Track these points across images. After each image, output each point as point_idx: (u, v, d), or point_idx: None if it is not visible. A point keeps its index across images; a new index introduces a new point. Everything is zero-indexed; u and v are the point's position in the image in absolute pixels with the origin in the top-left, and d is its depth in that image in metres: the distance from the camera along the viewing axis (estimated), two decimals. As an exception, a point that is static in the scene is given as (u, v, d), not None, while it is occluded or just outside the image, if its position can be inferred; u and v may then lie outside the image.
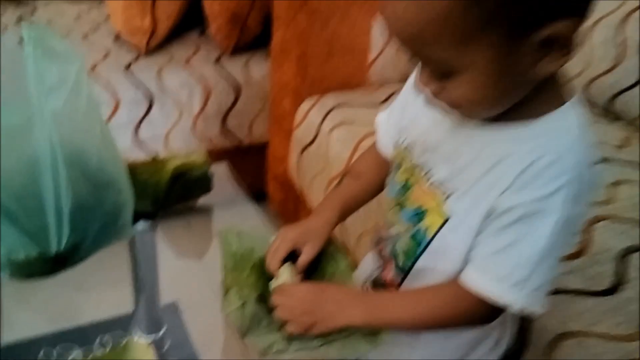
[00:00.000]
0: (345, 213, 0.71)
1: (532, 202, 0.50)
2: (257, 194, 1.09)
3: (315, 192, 1.13)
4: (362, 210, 0.73)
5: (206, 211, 0.92)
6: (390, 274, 0.64)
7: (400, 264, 0.62)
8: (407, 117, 0.63)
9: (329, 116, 1.10)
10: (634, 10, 1.11)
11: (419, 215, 0.59)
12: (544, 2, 0.44)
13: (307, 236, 0.66)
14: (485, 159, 0.53)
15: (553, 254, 0.52)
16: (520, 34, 0.45)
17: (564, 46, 0.46)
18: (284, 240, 0.66)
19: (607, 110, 1.14)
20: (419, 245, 0.59)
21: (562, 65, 0.47)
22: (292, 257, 0.66)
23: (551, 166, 0.50)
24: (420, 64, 0.51)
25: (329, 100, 1.14)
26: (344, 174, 0.94)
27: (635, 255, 0.75)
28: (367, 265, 0.70)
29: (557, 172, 0.49)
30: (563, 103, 0.52)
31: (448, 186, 0.56)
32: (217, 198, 0.94)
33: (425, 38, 0.46)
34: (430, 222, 0.58)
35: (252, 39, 1.38)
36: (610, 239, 0.77)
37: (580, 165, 0.50)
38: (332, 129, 1.08)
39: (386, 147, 0.68)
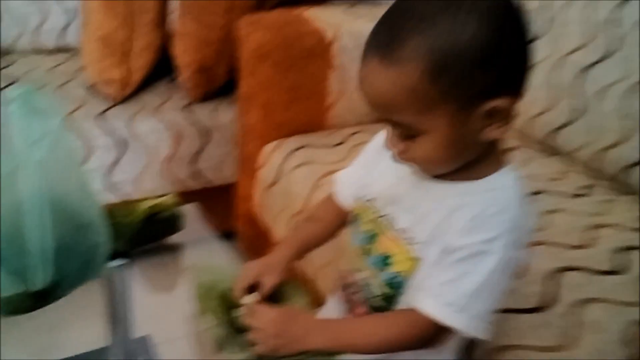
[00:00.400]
0: (301, 252, 0.81)
1: (478, 244, 0.60)
2: (227, 232, 1.16)
3: (280, 228, 1.20)
4: (330, 252, 0.82)
5: (178, 249, 0.98)
6: (361, 314, 0.72)
7: (377, 305, 0.70)
8: (370, 175, 0.73)
9: (291, 157, 1.19)
10: (568, 54, 1.24)
11: (385, 260, 0.68)
12: (487, 83, 0.55)
13: (266, 269, 0.77)
14: (442, 209, 0.63)
15: (493, 288, 0.61)
16: (470, 106, 0.56)
17: (504, 117, 0.57)
18: (247, 273, 0.75)
19: (546, 145, 1.25)
20: (398, 289, 0.68)
21: (503, 133, 0.58)
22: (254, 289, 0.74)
23: (494, 216, 0.60)
24: (390, 127, 0.61)
25: (291, 143, 1.22)
26: (304, 216, 1.01)
27: (565, 274, 0.84)
28: (333, 307, 0.78)
29: (499, 221, 0.60)
30: (503, 166, 0.63)
31: (410, 233, 0.65)
32: (188, 237, 1.00)
33: (396, 106, 0.56)
34: (401, 267, 0.67)
35: (220, 87, 1.46)
36: (543, 262, 0.86)
37: (518, 217, 0.60)
38: (293, 169, 1.16)
39: (345, 199, 0.78)
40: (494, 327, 0.76)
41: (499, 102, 0.56)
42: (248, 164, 1.32)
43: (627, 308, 0.78)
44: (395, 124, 0.59)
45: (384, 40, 0.56)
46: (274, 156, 1.22)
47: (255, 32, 1.18)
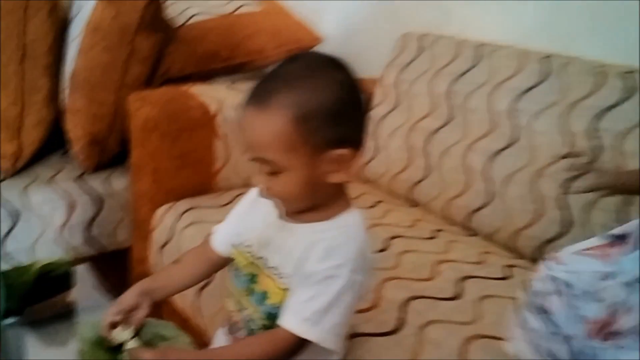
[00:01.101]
0: (166, 289, 0.93)
1: (329, 269, 0.75)
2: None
3: (173, 285, 1.29)
4: (217, 295, 0.93)
5: (71, 308, 1.04)
6: None
7: None
8: (244, 224, 0.87)
9: (182, 218, 1.29)
10: (417, 122, 1.48)
11: (263, 296, 0.81)
12: (336, 134, 0.73)
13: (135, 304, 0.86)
14: (302, 245, 0.78)
15: (342, 305, 0.76)
16: (322, 151, 0.73)
17: (347, 164, 0.75)
18: (111, 310, 0.85)
19: (407, 199, 1.46)
20: (274, 320, 0.80)
21: (345, 178, 0.76)
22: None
23: (342, 247, 0.76)
24: (260, 165, 0.75)
25: (182, 205, 1.33)
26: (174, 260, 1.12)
27: (413, 301, 1.00)
28: (219, 344, 0.89)
29: (346, 251, 0.76)
30: (350, 208, 0.80)
31: (280, 269, 0.80)
32: (81, 299, 1.06)
33: (266, 145, 0.72)
34: (275, 299, 0.80)
35: (112, 157, 1.55)
36: (396, 293, 1.02)
37: (361, 248, 0.77)
38: (184, 228, 1.27)
39: (219, 246, 0.91)
40: (355, 349, 0.91)
41: (343, 151, 0.73)
42: (142, 228, 1.41)
43: (462, 327, 0.95)
44: (264, 162, 0.74)
45: (259, 94, 0.73)
46: (166, 218, 1.33)
47: (144, 107, 1.31)
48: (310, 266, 0.76)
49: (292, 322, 0.75)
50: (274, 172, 0.74)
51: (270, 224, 0.83)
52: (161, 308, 1.02)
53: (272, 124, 0.71)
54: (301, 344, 0.76)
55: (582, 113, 1.19)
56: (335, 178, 0.75)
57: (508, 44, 1.41)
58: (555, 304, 0.74)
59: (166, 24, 1.52)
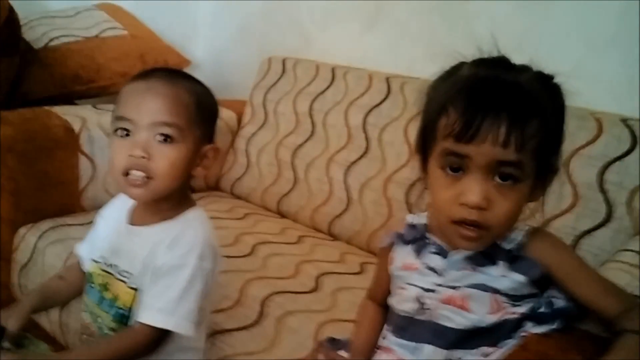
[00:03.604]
0: (46, 302, 0.94)
1: (175, 258, 0.80)
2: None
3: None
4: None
5: None
6: None
7: None
8: (98, 236, 0.91)
9: (44, 236, 1.27)
10: (284, 137, 1.57)
11: (113, 301, 0.84)
12: (209, 131, 0.84)
13: (10, 314, 0.86)
14: (148, 244, 0.82)
15: (193, 291, 0.80)
16: (200, 142, 0.82)
17: (210, 162, 0.84)
18: None
19: (278, 211, 1.55)
20: (122, 321, 0.83)
21: (203, 173, 0.84)
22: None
23: (187, 237, 0.81)
24: (154, 134, 0.78)
25: (46, 224, 1.30)
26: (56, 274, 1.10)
27: (275, 296, 1.07)
28: None
29: (190, 242, 0.81)
30: (192, 206, 0.86)
31: (129, 271, 0.83)
32: None
33: (172, 108, 0.79)
34: (123, 300, 0.83)
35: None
36: (259, 291, 1.09)
37: (205, 237, 0.83)
38: (46, 246, 1.24)
39: (85, 263, 0.93)
40: (217, 345, 0.96)
41: (214, 147, 0.83)
42: (2, 251, 1.35)
43: (318, 314, 1.03)
44: (165, 125, 0.78)
45: (166, 74, 0.83)
46: (27, 237, 1.29)
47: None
48: (159, 260, 0.81)
49: (148, 315, 0.79)
50: (169, 140, 0.78)
51: (119, 231, 0.87)
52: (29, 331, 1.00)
53: (183, 96, 0.80)
54: (159, 335, 0.80)
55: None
56: (198, 171, 0.83)
57: (358, 66, 1.56)
58: None
59: (24, 46, 1.50)
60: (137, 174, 0.78)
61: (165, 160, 0.78)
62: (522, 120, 0.62)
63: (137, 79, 0.81)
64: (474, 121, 0.62)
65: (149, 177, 0.79)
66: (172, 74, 0.84)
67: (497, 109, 0.62)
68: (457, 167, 0.65)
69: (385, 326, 0.80)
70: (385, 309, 0.82)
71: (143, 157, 0.77)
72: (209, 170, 0.89)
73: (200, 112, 0.81)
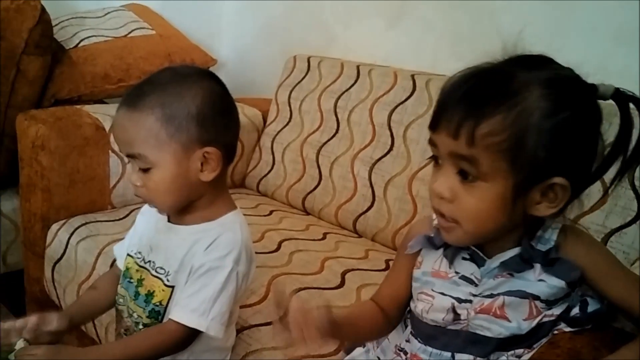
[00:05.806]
0: (83, 314, 0.95)
1: (213, 261, 0.81)
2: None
3: (68, 300, 1.28)
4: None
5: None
6: None
7: None
8: (138, 234, 0.92)
9: (76, 233, 1.30)
10: (308, 135, 1.58)
11: (148, 297, 0.86)
12: (202, 135, 0.79)
13: (49, 319, 0.86)
14: (187, 244, 0.84)
15: (226, 296, 0.82)
16: (189, 149, 0.79)
17: (214, 164, 0.81)
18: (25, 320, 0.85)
19: (302, 208, 1.56)
20: (157, 318, 0.85)
21: (210, 176, 0.81)
22: None
23: (225, 240, 0.82)
24: (132, 163, 0.80)
25: (77, 220, 1.33)
26: (89, 285, 1.12)
27: (300, 292, 1.08)
28: None
29: (228, 245, 0.82)
30: (230, 210, 0.86)
31: (166, 267, 0.85)
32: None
33: (136, 140, 0.78)
34: (159, 297, 0.85)
35: (1, 179, 1.52)
36: (285, 287, 1.10)
37: (241, 242, 0.83)
38: (78, 242, 1.27)
39: (120, 262, 0.94)
40: (245, 340, 0.97)
41: (209, 149, 0.80)
42: (34, 248, 1.39)
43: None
44: (136, 157, 0.80)
45: (130, 98, 0.80)
46: (60, 234, 1.32)
47: (32, 125, 1.31)
48: (196, 260, 0.82)
49: (181, 313, 0.81)
50: (146, 169, 0.79)
51: (158, 228, 0.88)
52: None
53: (142, 121, 0.78)
54: (189, 334, 0.81)
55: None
56: (205, 177, 0.81)
57: (383, 64, 1.56)
58: None
59: (55, 46, 1.53)
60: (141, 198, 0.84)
61: (152, 185, 0.80)
62: (477, 115, 0.60)
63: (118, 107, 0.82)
64: (438, 110, 0.64)
65: (149, 201, 0.84)
66: (136, 94, 0.80)
67: (457, 101, 0.62)
68: (437, 157, 0.67)
69: (409, 329, 0.77)
70: (385, 316, 0.79)
71: (137, 186, 0.82)
72: (219, 170, 0.82)
73: (171, 124, 0.78)
